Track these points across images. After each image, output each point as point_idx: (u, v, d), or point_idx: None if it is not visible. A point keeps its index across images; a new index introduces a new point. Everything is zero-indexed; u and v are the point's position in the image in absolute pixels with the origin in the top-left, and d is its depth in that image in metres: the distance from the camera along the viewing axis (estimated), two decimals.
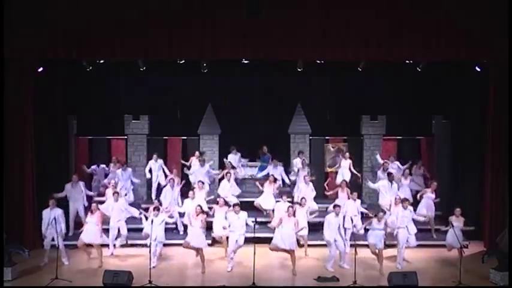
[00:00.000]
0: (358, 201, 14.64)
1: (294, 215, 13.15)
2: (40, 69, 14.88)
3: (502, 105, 14.24)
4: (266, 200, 15.32)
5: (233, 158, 17.14)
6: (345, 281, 12.27)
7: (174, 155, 18.06)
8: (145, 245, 13.36)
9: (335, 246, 13.13)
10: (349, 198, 14.72)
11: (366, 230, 13.48)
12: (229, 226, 13.21)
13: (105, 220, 14.01)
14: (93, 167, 17.30)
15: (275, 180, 15.73)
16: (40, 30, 13.78)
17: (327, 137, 18.25)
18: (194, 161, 16.82)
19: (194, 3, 13.90)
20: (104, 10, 13.82)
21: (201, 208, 13.25)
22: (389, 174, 15.65)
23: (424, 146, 18.25)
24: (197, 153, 17.06)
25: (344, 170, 16.85)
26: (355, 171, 17.02)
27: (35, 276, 12.67)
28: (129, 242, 14.61)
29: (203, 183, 15.35)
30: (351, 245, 13.57)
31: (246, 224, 13.13)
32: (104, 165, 17.28)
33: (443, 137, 17.56)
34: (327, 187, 17.32)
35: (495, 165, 14.55)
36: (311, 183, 15.53)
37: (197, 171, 16.45)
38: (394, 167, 16.69)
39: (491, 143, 14.62)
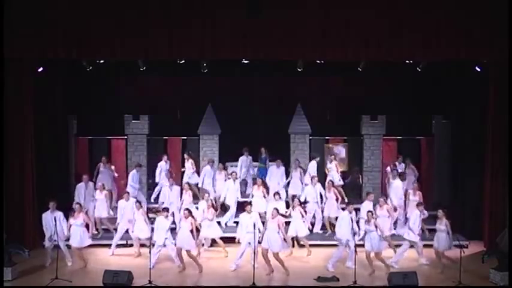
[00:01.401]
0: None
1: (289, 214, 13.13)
2: (40, 69, 14.88)
3: (502, 105, 14.24)
4: (257, 203, 14.95)
5: (245, 160, 17.10)
6: (345, 281, 12.27)
7: (174, 155, 18.04)
8: (145, 245, 13.39)
9: (344, 246, 13.10)
10: (337, 199, 15.00)
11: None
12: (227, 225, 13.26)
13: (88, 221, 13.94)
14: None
15: (263, 183, 15.61)
16: (40, 30, 13.77)
17: (327, 137, 18.26)
18: (186, 163, 16.83)
19: (194, 3, 13.90)
20: (104, 10, 13.82)
21: (189, 211, 13.23)
22: (401, 174, 15.72)
23: (424, 146, 18.24)
24: (186, 154, 17.03)
25: (332, 171, 16.82)
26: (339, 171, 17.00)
27: (35, 276, 12.67)
28: (129, 242, 14.63)
29: (190, 185, 15.38)
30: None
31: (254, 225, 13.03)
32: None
33: (443, 137, 17.54)
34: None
35: (495, 165, 14.54)
36: (318, 184, 15.51)
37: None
38: (402, 167, 16.71)
39: (491, 143, 14.62)
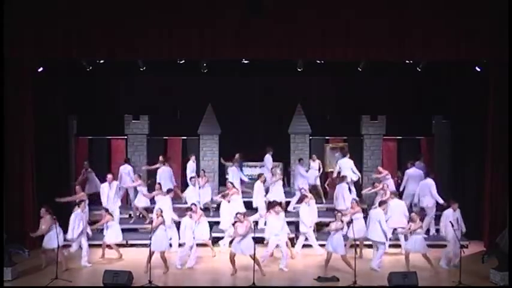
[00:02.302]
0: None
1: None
2: (40, 69, 14.87)
3: (502, 105, 14.23)
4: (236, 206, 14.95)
5: (268, 159, 17.12)
6: (345, 281, 12.27)
7: (174, 155, 18.06)
8: (145, 245, 13.38)
9: (383, 245, 13.15)
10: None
11: None
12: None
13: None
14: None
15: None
16: (40, 30, 13.79)
17: (327, 137, 18.27)
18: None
19: (194, 3, 13.91)
20: (103, 10, 13.83)
21: (161, 211, 13.18)
22: (430, 173, 15.83)
23: (424, 146, 18.25)
24: (161, 157, 16.92)
25: (313, 170, 16.90)
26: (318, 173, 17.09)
27: (35, 276, 12.66)
28: (130, 242, 14.65)
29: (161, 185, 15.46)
30: (351, 246, 13.60)
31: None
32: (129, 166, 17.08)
33: (443, 137, 17.56)
34: (327, 187, 17.38)
35: (495, 165, 14.54)
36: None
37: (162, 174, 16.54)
38: (422, 167, 16.69)
39: (491, 143, 14.62)
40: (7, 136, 13.95)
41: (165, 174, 16.37)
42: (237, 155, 16.86)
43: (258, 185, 15.58)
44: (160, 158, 16.81)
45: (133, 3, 13.90)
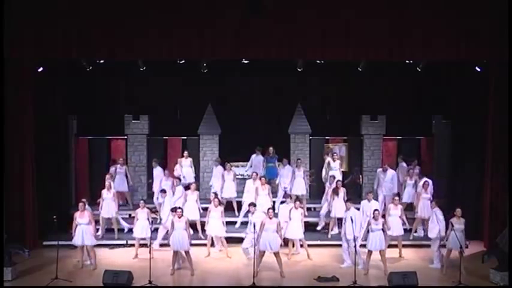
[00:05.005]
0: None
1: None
2: (40, 69, 14.88)
3: (502, 105, 14.25)
4: (262, 201, 14.99)
5: (254, 158, 16.99)
6: (345, 281, 12.27)
7: (174, 155, 18.05)
8: (146, 245, 13.38)
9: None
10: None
11: None
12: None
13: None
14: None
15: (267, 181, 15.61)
16: (40, 30, 13.79)
17: (327, 137, 18.27)
18: (184, 161, 16.93)
19: (194, 3, 13.91)
20: (103, 10, 13.84)
21: (182, 210, 13.20)
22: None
23: (424, 146, 18.25)
24: (186, 153, 17.09)
25: (334, 171, 16.81)
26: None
27: (35, 276, 12.66)
28: (129, 241, 14.65)
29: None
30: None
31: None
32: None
33: (443, 137, 17.55)
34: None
35: (495, 165, 14.55)
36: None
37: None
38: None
39: (491, 143, 14.63)
40: (7, 136, 13.95)
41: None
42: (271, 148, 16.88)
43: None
44: (185, 153, 17.04)
45: (133, 3, 13.91)
